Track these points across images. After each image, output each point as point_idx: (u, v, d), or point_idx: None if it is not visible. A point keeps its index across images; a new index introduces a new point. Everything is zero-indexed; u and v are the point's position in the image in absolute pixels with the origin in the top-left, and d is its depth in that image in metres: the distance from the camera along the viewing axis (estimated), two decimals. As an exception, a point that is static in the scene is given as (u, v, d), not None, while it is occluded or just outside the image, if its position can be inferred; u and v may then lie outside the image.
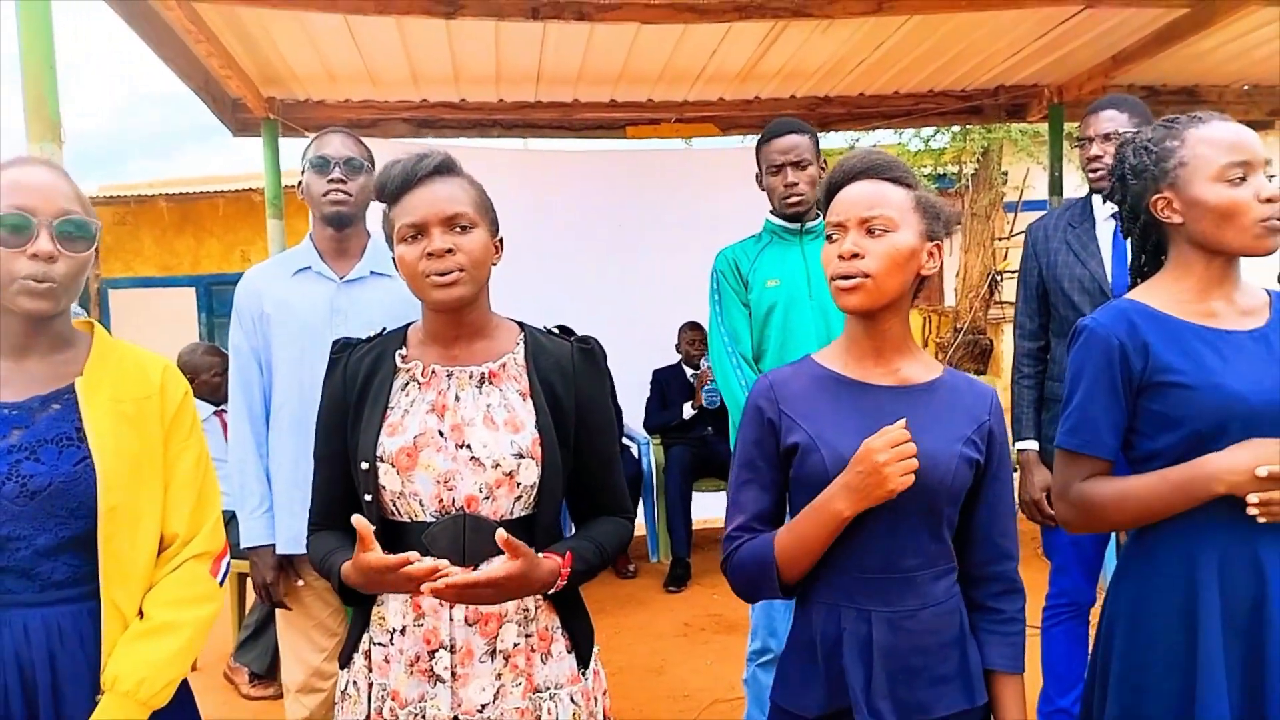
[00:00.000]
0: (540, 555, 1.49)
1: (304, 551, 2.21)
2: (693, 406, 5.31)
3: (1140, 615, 1.58)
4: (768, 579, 1.48)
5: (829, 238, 1.49)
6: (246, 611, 3.90)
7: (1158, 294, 1.61)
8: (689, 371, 5.41)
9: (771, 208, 2.81)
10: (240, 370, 2.32)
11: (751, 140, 7.54)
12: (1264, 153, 1.55)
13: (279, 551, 2.28)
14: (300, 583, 2.32)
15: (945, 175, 8.89)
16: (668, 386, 5.46)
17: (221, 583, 1.60)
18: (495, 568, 1.41)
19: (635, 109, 5.61)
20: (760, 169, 2.80)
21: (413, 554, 1.41)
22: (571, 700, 1.59)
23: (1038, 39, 4.77)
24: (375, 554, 1.40)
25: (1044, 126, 6.08)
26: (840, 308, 1.50)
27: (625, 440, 5.51)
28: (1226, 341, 1.55)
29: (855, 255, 1.43)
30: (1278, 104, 6.27)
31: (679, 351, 5.49)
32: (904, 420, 1.39)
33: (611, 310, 5.88)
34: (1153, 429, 1.56)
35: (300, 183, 2.40)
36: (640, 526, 5.51)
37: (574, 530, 1.68)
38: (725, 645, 4.06)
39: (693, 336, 5.45)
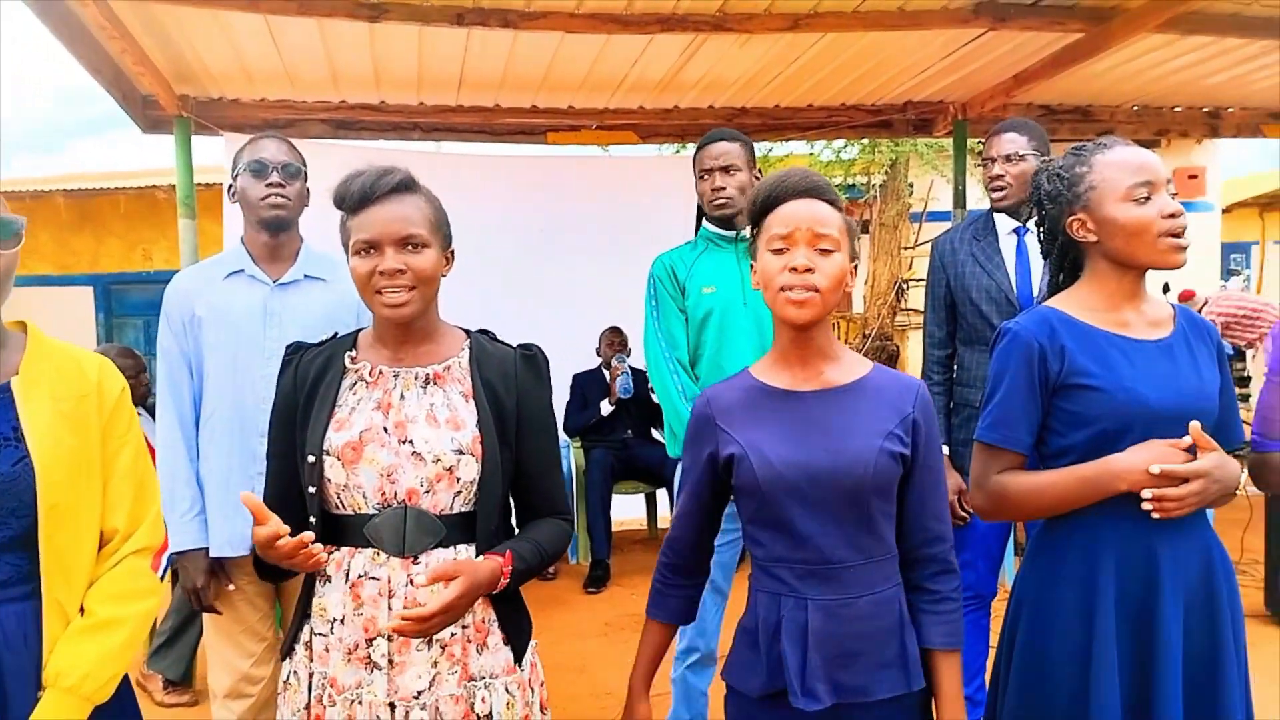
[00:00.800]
0: (480, 558, 1.56)
1: (237, 554, 2.24)
2: (610, 402, 5.38)
3: (1043, 603, 1.71)
4: None
5: (776, 250, 1.55)
6: (160, 618, 3.82)
7: (1075, 303, 1.74)
8: (608, 375, 5.48)
9: (706, 214, 2.90)
10: (169, 374, 2.31)
11: (669, 149, 7.68)
12: (1165, 172, 1.68)
13: (213, 554, 2.27)
14: (231, 587, 2.31)
15: (855, 186, 9.15)
16: (587, 389, 5.52)
17: (162, 577, 1.61)
18: (441, 596, 1.47)
19: (557, 115, 5.66)
20: (696, 176, 2.87)
21: (281, 529, 1.47)
22: (506, 690, 1.65)
23: (944, 58, 4.99)
24: (263, 530, 1.47)
25: (949, 141, 6.35)
26: (785, 320, 1.56)
27: (546, 443, 5.54)
28: (1136, 349, 1.68)
29: (809, 270, 1.51)
30: (1165, 124, 6.64)
31: (599, 355, 5.55)
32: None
33: (531, 314, 5.89)
34: (1065, 427, 1.69)
35: (230, 186, 2.39)
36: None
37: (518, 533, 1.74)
38: None
39: (612, 339, 5.52)
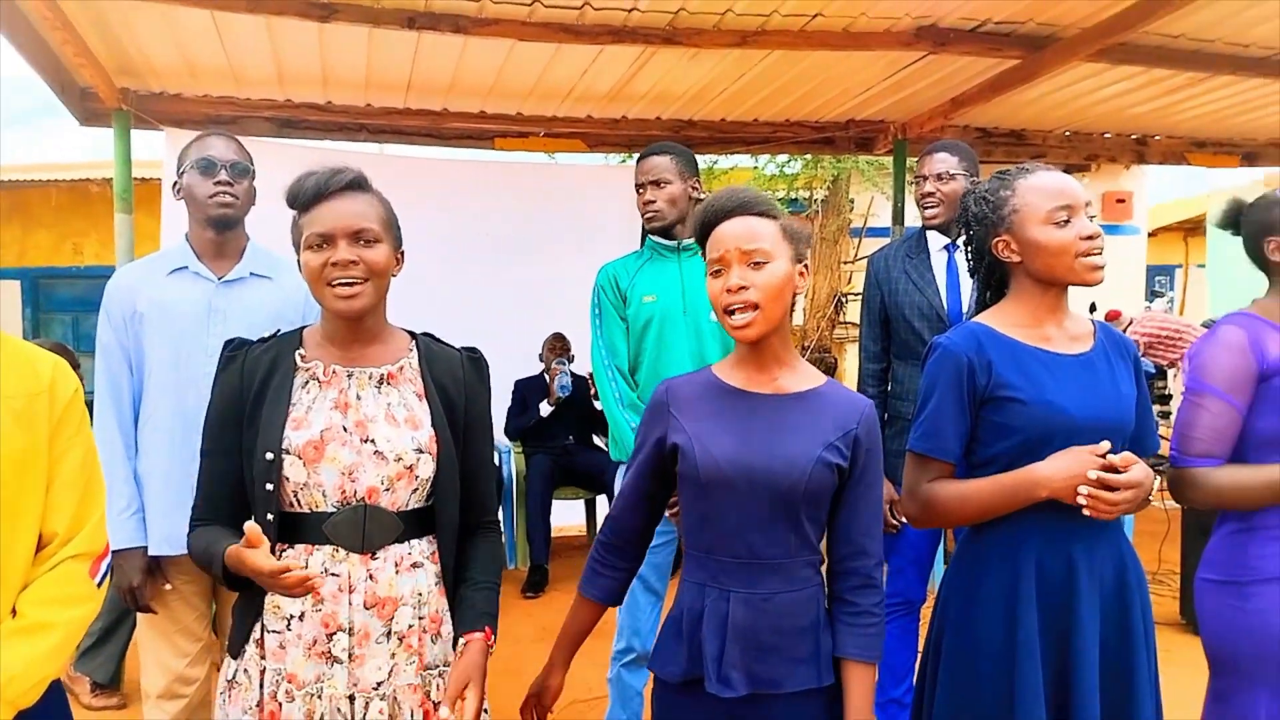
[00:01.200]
0: (464, 642, 1.65)
1: (176, 553, 2.22)
2: (549, 403, 5.40)
3: (969, 605, 1.79)
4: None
5: (714, 273, 1.63)
6: (88, 620, 3.74)
7: (1001, 319, 1.82)
8: (548, 379, 5.51)
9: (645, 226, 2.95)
10: (109, 370, 2.29)
11: (616, 158, 7.74)
12: (1084, 196, 1.78)
13: (152, 553, 2.25)
14: (167, 586, 2.29)
15: (797, 200, 9.29)
16: (528, 394, 5.53)
17: (100, 583, 1.59)
18: (469, 708, 1.59)
19: (505, 121, 5.67)
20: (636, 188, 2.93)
21: (294, 564, 1.49)
22: None
23: (886, 79, 5.12)
24: (264, 556, 1.48)
25: (889, 159, 6.50)
26: (738, 340, 1.65)
27: (487, 448, 5.54)
28: (1058, 363, 1.77)
29: (742, 288, 1.58)
30: (1094, 149, 6.89)
31: (542, 361, 5.57)
32: (1106, 444, 1.64)
33: (475, 318, 5.87)
34: (991, 437, 1.77)
35: (175, 182, 2.38)
36: (499, 534, 5.55)
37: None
38: (583, 648, 4.14)
39: (555, 345, 5.55)
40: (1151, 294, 10.87)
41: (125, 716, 3.55)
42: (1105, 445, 1.68)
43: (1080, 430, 1.70)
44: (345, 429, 1.61)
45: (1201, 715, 2.00)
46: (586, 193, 5.99)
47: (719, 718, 1.59)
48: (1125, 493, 1.65)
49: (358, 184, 1.65)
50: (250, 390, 1.65)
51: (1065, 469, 1.67)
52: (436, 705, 1.66)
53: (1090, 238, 1.74)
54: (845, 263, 9.19)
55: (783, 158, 8.43)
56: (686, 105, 5.62)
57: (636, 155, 2.99)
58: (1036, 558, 1.73)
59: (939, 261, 2.97)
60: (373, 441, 1.61)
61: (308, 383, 1.66)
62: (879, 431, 1.69)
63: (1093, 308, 6.61)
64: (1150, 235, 13.52)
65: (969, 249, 1.91)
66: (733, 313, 1.60)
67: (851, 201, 9.29)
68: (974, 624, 1.77)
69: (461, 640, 1.66)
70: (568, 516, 5.83)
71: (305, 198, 1.62)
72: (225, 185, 2.30)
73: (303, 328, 1.75)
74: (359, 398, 1.65)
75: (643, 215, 2.87)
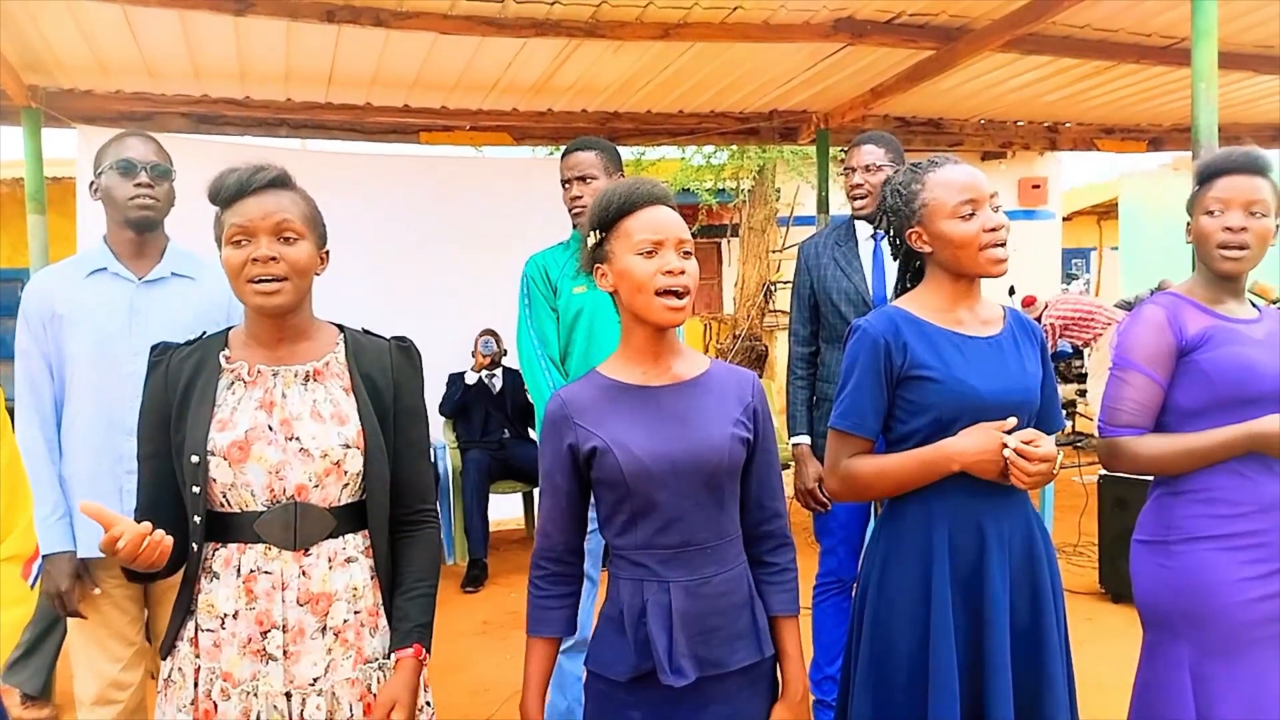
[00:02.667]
0: (395, 660, 1.66)
1: (103, 555, 2.18)
2: (474, 370, 5.43)
3: (887, 575, 1.86)
4: None
5: (646, 254, 1.63)
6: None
7: (918, 304, 1.90)
8: (484, 375, 5.50)
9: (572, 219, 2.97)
10: (28, 374, 2.24)
11: (543, 151, 7.73)
12: (988, 188, 1.85)
13: (80, 555, 2.21)
14: (97, 591, 2.26)
15: (724, 190, 9.38)
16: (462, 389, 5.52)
17: (33, 585, 1.57)
18: None
19: (430, 115, 5.64)
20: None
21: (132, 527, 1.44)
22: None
23: (807, 70, 5.22)
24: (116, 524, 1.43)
25: (814, 149, 6.62)
26: (661, 323, 1.64)
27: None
28: (969, 345, 1.85)
29: (683, 272, 1.62)
30: (1009, 137, 7.09)
31: (474, 356, 5.56)
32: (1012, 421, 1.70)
33: (405, 315, 5.84)
34: (906, 415, 1.84)
35: (92, 183, 2.33)
36: (436, 530, 5.53)
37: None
38: (524, 641, 4.17)
39: (484, 339, 5.54)
40: (1066, 276, 11.24)
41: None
42: (1011, 421, 1.77)
43: (989, 408, 1.78)
44: (271, 428, 1.61)
45: (1136, 669, 2.11)
46: (514, 186, 5.98)
47: (663, 707, 1.62)
48: (1041, 465, 1.73)
49: (281, 181, 1.64)
50: (176, 394, 1.64)
51: (975, 444, 1.75)
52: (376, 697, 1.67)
53: (993, 230, 1.81)
54: (773, 251, 9.31)
55: (709, 148, 8.51)
56: (612, 98, 5.65)
57: (563, 149, 3.01)
58: (949, 530, 1.80)
59: (866, 250, 3.05)
60: (298, 439, 1.61)
61: (233, 384, 1.65)
62: (767, 398, 1.76)
63: (1011, 290, 6.82)
64: (1066, 219, 13.93)
65: (889, 237, 1.97)
66: (665, 295, 1.61)
67: (778, 191, 9.42)
68: (891, 595, 1.84)
69: (393, 657, 1.68)
70: (505, 510, 5.84)
71: (227, 193, 1.61)
72: (145, 187, 2.26)
73: (229, 329, 1.73)
74: (284, 396, 1.64)
75: (570, 210, 2.90)
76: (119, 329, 2.24)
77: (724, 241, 10.89)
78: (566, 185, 2.88)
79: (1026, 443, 1.72)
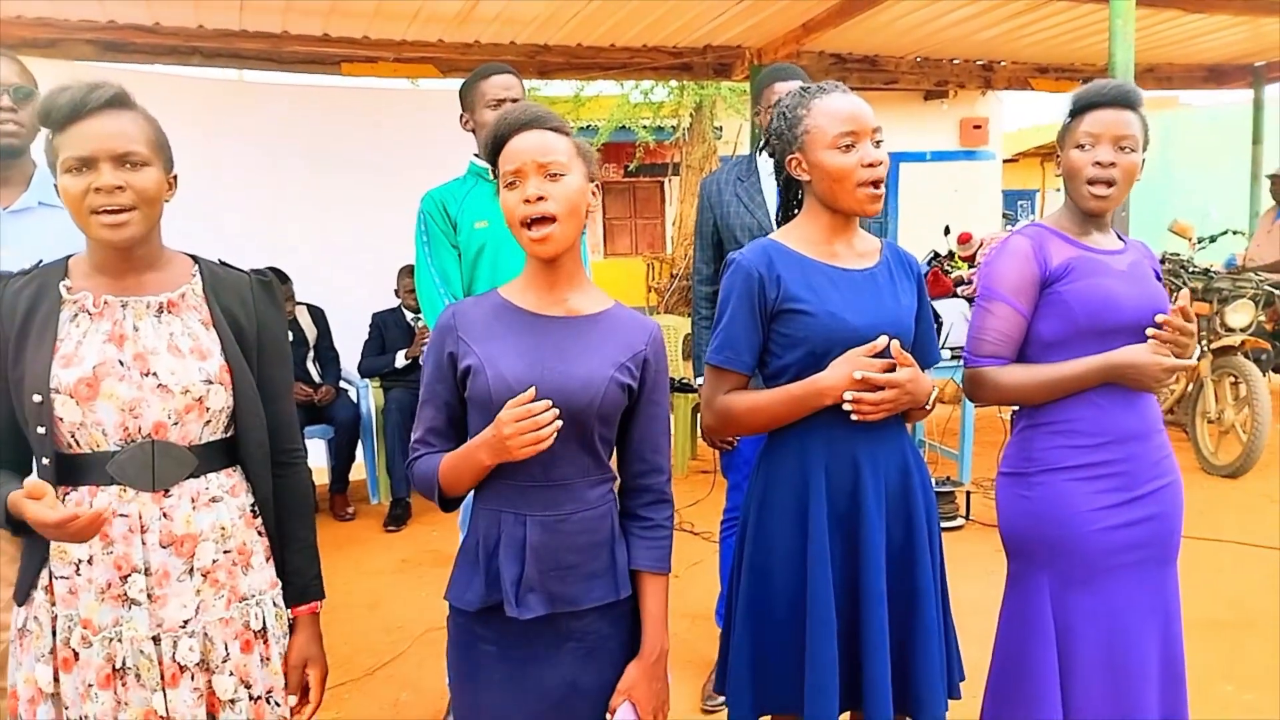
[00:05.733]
0: (289, 624, 1.70)
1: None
2: (407, 356, 5.32)
3: (765, 507, 1.86)
4: (432, 494, 1.66)
5: (508, 185, 1.61)
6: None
7: (794, 235, 1.87)
8: (409, 316, 5.41)
9: (476, 150, 2.89)
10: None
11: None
12: (872, 123, 1.81)
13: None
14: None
15: (664, 128, 9.29)
16: (386, 330, 5.43)
17: None
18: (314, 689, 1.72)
19: (351, 45, 5.48)
20: (473, 108, 2.84)
21: (79, 509, 1.42)
22: (274, 603, 1.69)
23: (739, 3, 5.13)
24: (45, 508, 1.41)
25: (749, 85, 6.54)
26: (532, 254, 1.63)
27: (344, 384, 5.45)
28: (843, 278, 1.83)
29: (540, 198, 1.57)
30: (944, 75, 7.07)
31: (398, 296, 5.47)
32: (532, 390, 1.53)
33: (331, 251, 5.75)
34: (780, 349, 1.83)
35: (-46, 106, 2.22)
36: (360, 469, 5.49)
37: None
38: (442, 578, 4.06)
39: (410, 283, 5.44)
40: (1005, 217, 11.32)
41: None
42: (882, 341, 1.75)
43: (861, 339, 1.77)
44: (122, 363, 1.53)
45: (1001, 599, 2.14)
46: (445, 119, 5.83)
47: (517, 640, 1.62)
48: (888, 392, 1.73)
49: (120, 100, 1.53)
50: (13, 327, 1.55)
51: (843, 375, 1.74)
52: (259, 633, 1.65)
53: (871, 165, 1.78)
54: (713, 190, 9.25)
55: (647, 85, 8.39)
56: (540, 29, 5.53)
57: (473, 74, 2.88)
58: (825, 462, 1.80)
59: (770, 186, 3.01)
60: (155, 375, 1.53)
61: (76, 315, 1.56)
62: (665, 353, 1.72)
63: (946, 230, 6.85)
64: (1011, 161, 13.98)
65: (774, 162, 1.93)
66: (530, 225, 1.58)
67: (719, 129, 9.34)
68: (769, 529, 1.85)
69: (289, 615, 1.69)
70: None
71: (59, 115, 1.49)
72: (8, 111, 2.15)
73: (68, 257, 1.63)
74: (136, 329, 1.56)
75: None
76: (-19, 261, 2.14)
77: (665, 180, 10.80)
78: (498, 106, 2.77)
79: (890, 370, 1.72)
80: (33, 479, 1.43)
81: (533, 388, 1.53)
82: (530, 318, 1.64)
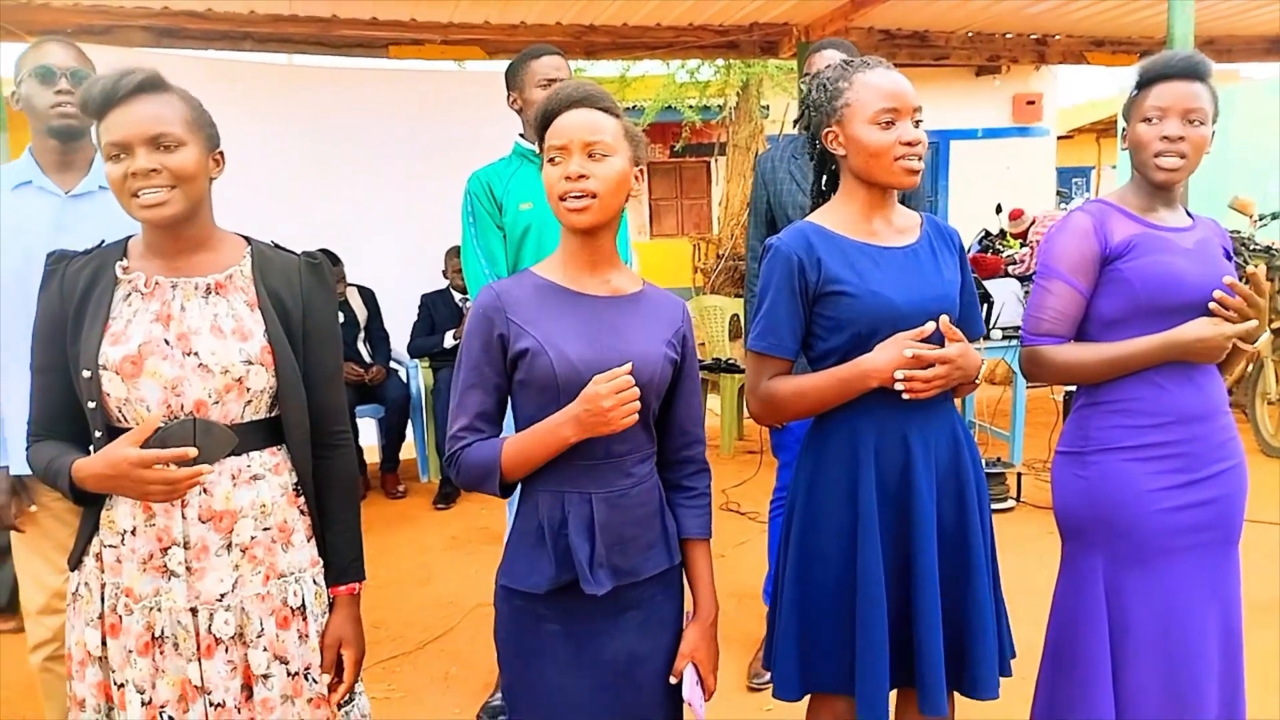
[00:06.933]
0: (330, 605, 1.74)
1: (37, 472, 2.19)
2: (454, 336, 5.37)
3: (814, 488, 1.86)
4: (490, 480, 1.63)
5: (551, 160, 1.62)
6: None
7: (831, 216, 1.86)
8: (457, 297, 5.46)
9: (521, 130, 2.91)
10: (-45, 290, 2.21)
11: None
12: (914, 101, 1.78)
13: (14, 473, 2.21)
14: (33, 508, 2.27)
15: (710, 107, 9.22)
16: (435, 311, 5.49)
17: None
18: (349, 670, 1.73)
19: (399, 28, 5.51)
20: (521, 88, 2.86)
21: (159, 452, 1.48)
22: (314, 581, 1.72)
23: (785, -21, 5.07)
24: (135, 448, 1.47)
25: (795, 63, 6.47)
26: (568, 226, 1.64)
27: (394, 364, 5.52)
28: (884, 256, 1.81)
29: (582, 176, 1.58)
30: (996, 50, 6.92)
31: (446, 277, 5.52)
32: (630, 365, 1.56)
33: (380, 233, 5.81)
34: (825, 332, 1.82)
35: (14, 93, 2.28)
36: (410, 449, 5.57)
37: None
38: (492, 555, 4.13)
39: (458, 264, 5.48)
40: (1060, 194, 11.10)
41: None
42: (930, 327, 1.74)
43: (906, 318, 1.76)
44: (167, 342, 1.57)
45: (1056, 579, 2.13)
46: (493, 100, 5.86)
47: (584, 615, 1.64)
48: (939, 368, 1.72)
49: (152, 84, 1.56)
50: (71, 304, 1.60)
51: (889, 357, 1.73)
52: (297, 610, 1.68)
53: (910, 144, 1.76)
54: (760, 169, 9.19)
55: (693, 63, 8.33)
56: (586, 9, 5.51)
57: (519, 56, 2.90)
58: (874, 441, 1.80)
59: (822, 162, 2.99)
60: (196, 354, 1.58)
61: (129, 295, 1.61)
62: (693, 328, 1.76)
63: (998, 209, 6.73)
64: (1067, 138, 13.68)
65: (807, 134, 1.92)
66: (566, 199, 1.59)
67: (765, 107, 9.26)
68: (818, 508, 1.85)
69: (329, 596, 1.74)
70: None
71: (95, 105, 1.53)
72: (66, 94, 2.20)
73: (127, 238, 1.68)
74: (183, 309, 1.60)
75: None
76: (46, 246, 2.13)
77: (712, 160, 10.74)
78: (548, 85, 2.77)
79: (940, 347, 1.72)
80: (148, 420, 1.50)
81: (629, 363, 1.57)
82: (577, 297, 1.65)
